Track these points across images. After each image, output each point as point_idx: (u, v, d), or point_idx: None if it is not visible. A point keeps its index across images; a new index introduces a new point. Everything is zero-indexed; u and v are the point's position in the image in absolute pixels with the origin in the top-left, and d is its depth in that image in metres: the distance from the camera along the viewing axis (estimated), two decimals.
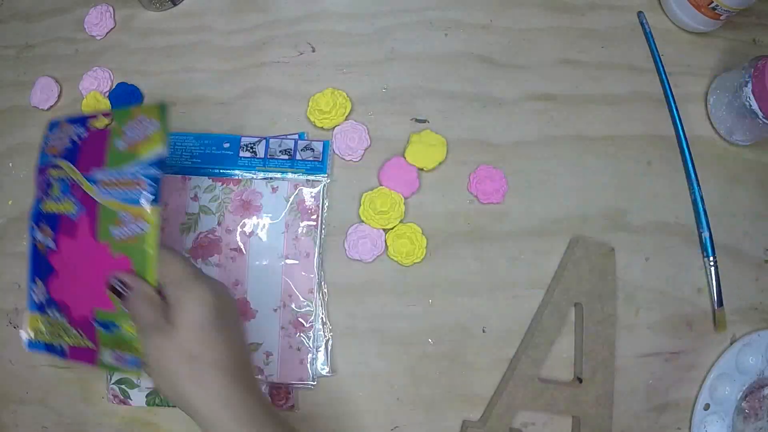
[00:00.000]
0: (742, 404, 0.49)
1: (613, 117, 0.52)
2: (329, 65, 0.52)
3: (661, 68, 0.53)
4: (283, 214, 0.48)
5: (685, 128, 0.52)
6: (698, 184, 0.51)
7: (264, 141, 0.49)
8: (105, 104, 0.52)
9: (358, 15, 0.53)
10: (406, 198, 0.49)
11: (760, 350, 0.49)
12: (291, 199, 0.48)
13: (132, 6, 0.54)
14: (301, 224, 0.48)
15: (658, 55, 0.53)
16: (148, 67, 0.53)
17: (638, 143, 0.52)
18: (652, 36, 0.53)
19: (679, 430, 0.49)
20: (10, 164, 0.52)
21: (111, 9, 0.54)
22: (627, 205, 0.51)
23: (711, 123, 0.53)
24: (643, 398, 0.49)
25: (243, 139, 0.49)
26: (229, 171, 0.49)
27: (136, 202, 0.35)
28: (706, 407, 0.49)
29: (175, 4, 0.54)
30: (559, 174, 0.51)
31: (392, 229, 0.48)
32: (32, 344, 0.41)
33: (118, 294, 0.35)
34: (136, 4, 0.53)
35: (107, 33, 0.53)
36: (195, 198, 0.48)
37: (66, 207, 0.38)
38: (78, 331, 0.38)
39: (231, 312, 0.36)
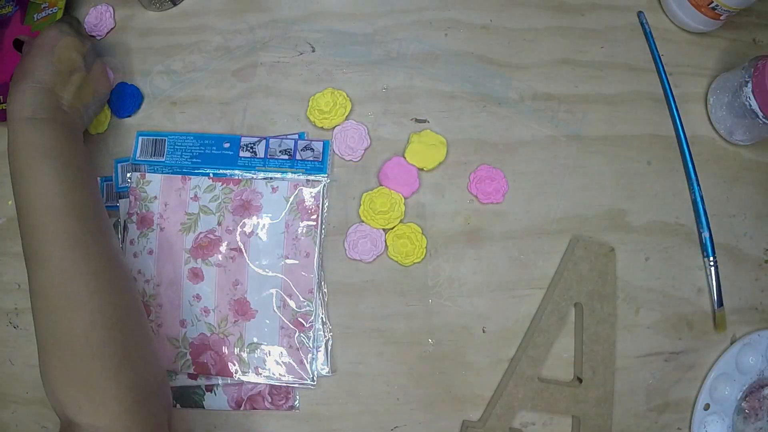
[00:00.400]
0: (742, 404, 0.49)
1: (613, 117, 0.52)
2: (329, 65, 0.52)
3: (661, 68, 0.53)
4: (283, 214, 0.48)
5: (685, 128, 0.52)
6: (698, 184, 0.51)
7: (264, 141, 0.49)
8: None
9: (358, 15, 0.53)
10: (406, 198, 0.49)
11: (760, 350, 0.49)
12: (291, 199, 0.48)
13: (132, 6, 0.54)
14: (301, 224, 0.48)
15: (658, 55, 0.53)
16: (148, 67, 0.53)
17: (638, 143, 0.52)
18: (652, 36, 0.53)
19: (679, 430, 0.49)
20: None
21: (111, 9, 0.54)
22: (627, 205, 0.51)
23: (711, 123, 0.53)
24: (643, 398, 0.49)
25: (243, 139, 0.49)
26: (228, 171, 0.49)
27: None
28: (706, 407, 0.49)
29: (175, 4, 0.54)
30: (559, 174, 0.51)
31: (392, 229, 0.48)
32: None
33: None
34: (136, 4, 0.53)
35: (107, 33, 0.53)
36: (195, 198, 0.48)
37: (7, 9, 0.55)
38: (2, 97, 0.51)
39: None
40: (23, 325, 0.50)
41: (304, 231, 0.48)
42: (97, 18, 0.53)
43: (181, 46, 0.53)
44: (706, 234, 0.50)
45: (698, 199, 0.50)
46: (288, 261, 0.47)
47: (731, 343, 0.50)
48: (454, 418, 0.48)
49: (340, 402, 0.48)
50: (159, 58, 0.53)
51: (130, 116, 0.52)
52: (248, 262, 0.47)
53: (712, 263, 0.50)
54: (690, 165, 0.51)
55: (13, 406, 0.49)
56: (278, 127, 0.51)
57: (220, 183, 0.49)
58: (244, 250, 0.48)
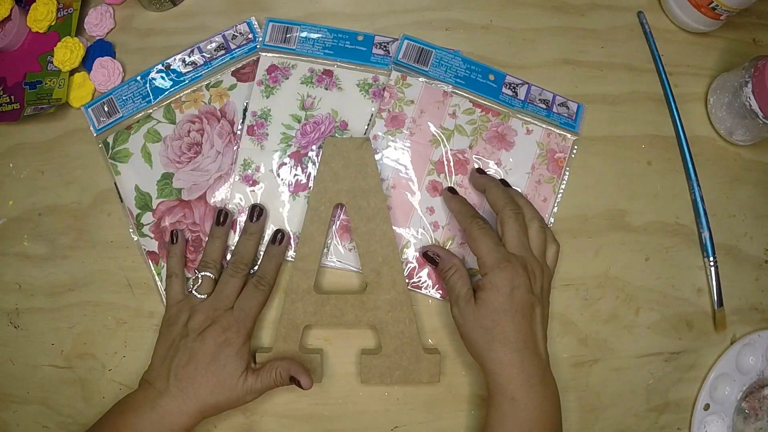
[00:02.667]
0: (742, 404, 0.50)
1: (613, 117, 0.52)
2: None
3: (661, 68, 0.53)
4: (533, 156, 0.49)
5: (685, 128, 0.52)
6: (698, 184, 0.51)
7: (527, 86, 0.50)
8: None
9: (358, 15, 0.53)
10: None
11: (760, 350, 0.49)
12: (543, 145, 0.49)
13: (132, 6, 0.54)
14: (546, 171, 0.49)
15: (658, 55, 0.53)
16: (148, 67, 0.53)
17: (638, 143, 0.52)
18: (652, 36, 0.53)
19: (679, 430, 0.49)
20: (11, 164, 0.52)
21: (111, 9, 0.53)
22: (627, 205, 0.51)
23: (711, 123, 0.53)
24: (643, 398, 0.49)
25: (507, 77, 0.51)
26: (488, 103, 0.50)
27: None
28: (706, 407, 0.49)
29: (175, 4, 0.54)
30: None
31: None
32: None
33: (432, 261, 0.46)
34: (136, 4, 0.53)
35: (107, 33, 0.53)
36: (453, 115, 0.49)
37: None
38: (9, 97, 0.51)
39: (517, 300, 0.41)
40: (23, 325, 0.50)
41: (546, 178, 0.49)
42: (97, 18, 0.53)
43: (181, 46, 0.53)
44: (706, 234, 0.50)
45: (698, 199, 0.50)
46: None
47: (731, 343, 0.50)
48: (454, 418, 0.48)
49: (340, 402, 0.48)
50: (159, 58, 0.52)
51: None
52: None
53: (712, 263, 0.50)
54: (690, 165, 0.51)
55: (14, 406, 0.49)
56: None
57: (480, 110, 0.49)
58: None
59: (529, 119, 0.50)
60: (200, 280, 0.44)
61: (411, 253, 0.48)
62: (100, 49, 0.52)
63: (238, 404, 0.42)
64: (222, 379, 0.41)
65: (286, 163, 0.49)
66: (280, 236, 0.46)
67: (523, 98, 0.50)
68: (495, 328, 0.40)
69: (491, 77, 0.50)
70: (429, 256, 0.46)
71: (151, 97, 0.50)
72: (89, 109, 0.51)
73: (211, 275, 0.45)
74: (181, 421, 0.40)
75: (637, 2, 0.54)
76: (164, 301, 0.47)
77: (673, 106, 0.52)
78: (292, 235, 0.48)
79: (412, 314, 0.45)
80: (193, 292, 0.44)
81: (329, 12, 0.53)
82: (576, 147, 0.50)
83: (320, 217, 0.46)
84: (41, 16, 0.52)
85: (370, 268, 0.45)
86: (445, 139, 0.49)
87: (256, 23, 0.51)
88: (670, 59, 0.53)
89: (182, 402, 0.40)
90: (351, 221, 0.45)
